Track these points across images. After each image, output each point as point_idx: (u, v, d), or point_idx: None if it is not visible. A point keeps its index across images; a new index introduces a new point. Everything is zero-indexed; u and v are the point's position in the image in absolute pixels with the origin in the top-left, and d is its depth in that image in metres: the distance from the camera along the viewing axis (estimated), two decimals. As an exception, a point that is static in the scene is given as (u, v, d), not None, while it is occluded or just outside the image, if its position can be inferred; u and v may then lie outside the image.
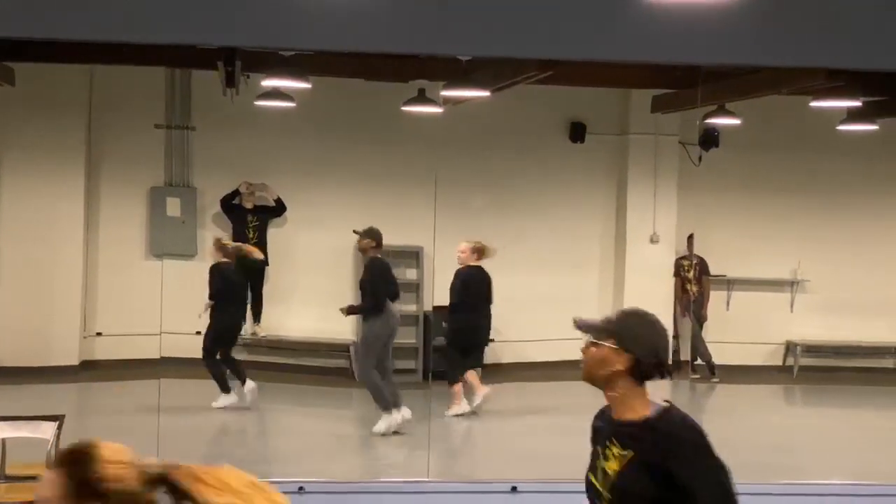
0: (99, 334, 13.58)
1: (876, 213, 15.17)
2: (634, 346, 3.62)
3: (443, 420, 11.44)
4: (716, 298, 14.82)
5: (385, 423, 10.71)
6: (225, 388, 11.61)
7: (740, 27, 6.26)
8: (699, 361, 14.33)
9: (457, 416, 11.62)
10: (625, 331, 3.65)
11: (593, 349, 3.68)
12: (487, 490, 8.89)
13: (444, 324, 12.11)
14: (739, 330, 14.84)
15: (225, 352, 11.69)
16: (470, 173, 14.10)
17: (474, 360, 11.95)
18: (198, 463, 2.69)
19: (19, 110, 13.12)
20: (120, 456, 2.62)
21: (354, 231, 11.36)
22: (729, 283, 14.99)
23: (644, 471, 3.58)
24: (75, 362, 13.29)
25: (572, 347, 14.82)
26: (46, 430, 7.80)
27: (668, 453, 3.56)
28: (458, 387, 11.71)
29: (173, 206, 13.81)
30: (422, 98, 11.91)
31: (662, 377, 3.67)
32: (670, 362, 3.72)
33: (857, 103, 12.12)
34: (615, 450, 3.65)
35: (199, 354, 11.57)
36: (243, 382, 11.64)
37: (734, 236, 14.97)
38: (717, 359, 14.29)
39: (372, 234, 10.92)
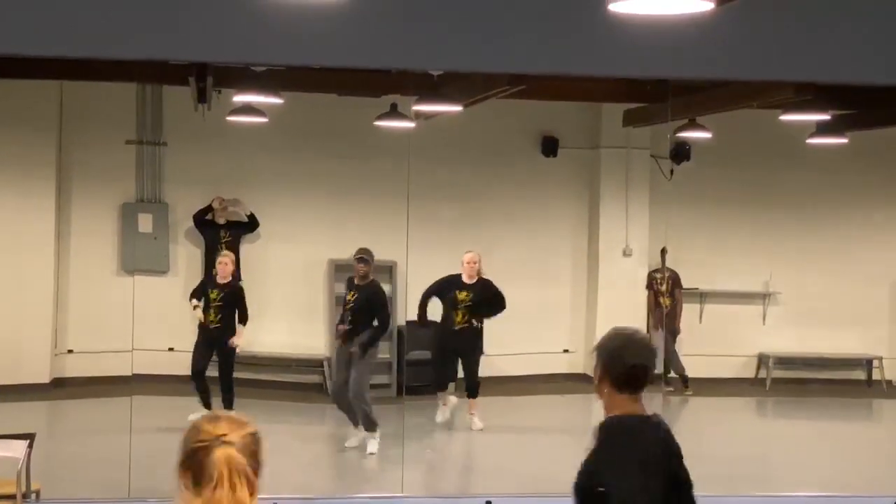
0: (70, 351, 13.49)
1: (846, 225, 15.27)
2: (603, 354, 4.06)
3: (415, 434, 11.43)
4: (688, 311, 14.87)
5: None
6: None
7: (710, 42, 6.30)
8: (672, 374, 14.37)
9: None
10: (600, 343, 4.11)
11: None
12: (461, 505, 8.88)
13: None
14: (712, 343, 14.88)
15: None
16: (443, 188, 14.10)
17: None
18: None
19: (-12, 126, 13.05)
20: None
21: (363, 258, 11.30)
22: (701, 296, 15.04)
23: None
24: (46, 380, 13.18)
25: (544, 361, 14.82)
26: (17, 449, 7.74)
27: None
28: None
29: (145, 222, 13.75)
30: (394, 113, 11.91)
31: (636, 383, 4.01)
32: (653, 371, 4.10)
33: (826, 117, 12.20)
34: None
35: (171, 371, 11.49)
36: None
37: (706, 249, 15.03)
38: (691, 371, 14.33)
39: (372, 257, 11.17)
